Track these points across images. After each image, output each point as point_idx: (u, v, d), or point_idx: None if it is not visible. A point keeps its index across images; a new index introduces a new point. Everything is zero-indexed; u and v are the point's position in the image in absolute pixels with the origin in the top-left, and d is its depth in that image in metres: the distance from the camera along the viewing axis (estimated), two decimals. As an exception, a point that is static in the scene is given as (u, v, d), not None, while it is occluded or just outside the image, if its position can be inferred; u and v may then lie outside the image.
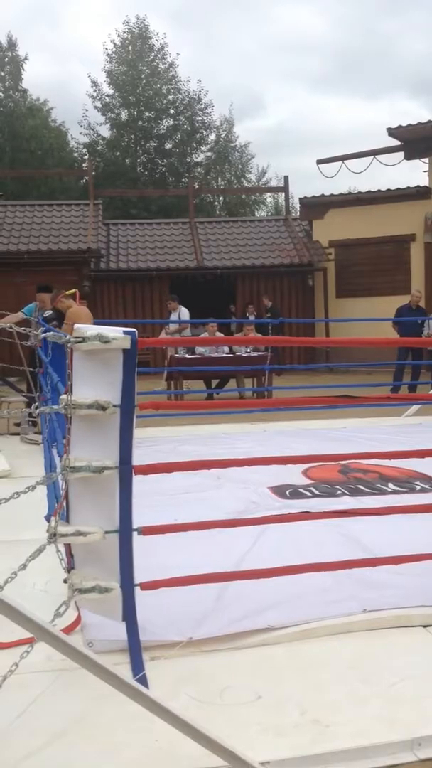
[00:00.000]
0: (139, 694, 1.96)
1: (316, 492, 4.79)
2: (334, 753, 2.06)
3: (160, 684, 2.32)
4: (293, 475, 5.07)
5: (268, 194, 33.82)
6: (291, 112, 51.24)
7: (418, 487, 4.88)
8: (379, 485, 4.95)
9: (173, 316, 11.97)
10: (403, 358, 10.92)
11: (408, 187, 16.78)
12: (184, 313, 12.09)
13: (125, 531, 2.42)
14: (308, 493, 4.75)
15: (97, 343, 2.33)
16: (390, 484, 4.96)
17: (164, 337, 11.60)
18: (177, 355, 11.30)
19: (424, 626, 2.82)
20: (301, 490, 4.84)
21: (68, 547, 2.57)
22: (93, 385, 2.37)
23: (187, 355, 11.30)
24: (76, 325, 2.40)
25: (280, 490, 4.78)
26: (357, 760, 2.06)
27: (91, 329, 2.36)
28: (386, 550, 3.11)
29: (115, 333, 2.36)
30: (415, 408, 8.37)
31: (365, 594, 2.98)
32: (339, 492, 4.77)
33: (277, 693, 2.36)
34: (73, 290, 7.77)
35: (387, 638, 2.75)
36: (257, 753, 2.00)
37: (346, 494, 4.71)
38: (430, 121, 15.01)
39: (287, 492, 4.77)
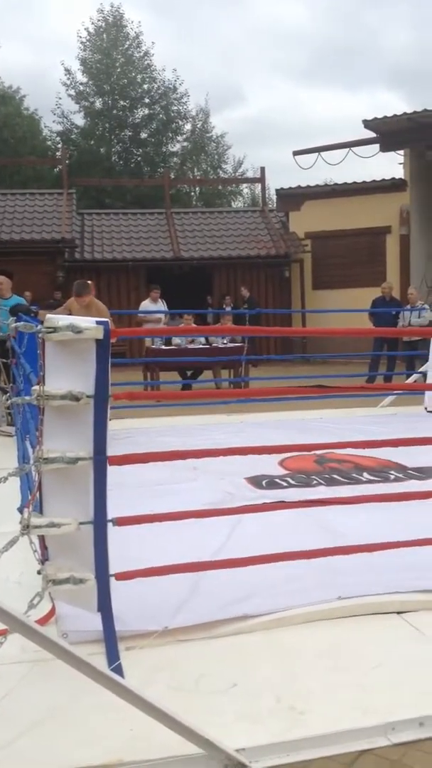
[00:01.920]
0: (114, 683, 1.96)
1: (292, 482, 4.81)
2: (308, 739, 2.08)
3: (136, 673, 2.32)
4: (269, 466, 5.09)
5: (245, 185, 33.78)
6: (270, 102, 51.16)
7: (392, 476, 4.93)
8: (355, 475, 4.99)
9: (154, 307, 11.92)
10: (379, 348, 11.00)
11: (384, 180, 16.86)
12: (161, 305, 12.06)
13: (100, 522, 2.42)
14: (284, 483, 4.78)
15: (70, 334, 2.31)
16: (365, 474, 5.00)
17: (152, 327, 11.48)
18: (153, 346, 11.26)
19: (398, 613, 2.85)
20: (277, 480, 4.86)
21: (42, 538, 2.55)
22: (66, 375, 2.36)
23: (163, 346, 11.27)
24: (48, 315, 2.38)
25: (256, 481, 4.80)
26: (331, 746, 2.07)
27: (63, 319, 2.34)
28: (361, 539, 3.13)
29: (88, 323, 2.34)
30: (390, 398, 8.44)
31: (340, 582, 3.00)
32: (315, 482, 4.80)
33: (252, 681, 2.37)
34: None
35: (361, 625, 2.78)
36: (233, 740, 2.01)
37: (321, 484, 4.74)
38: (405, 114, 15.07)
39: (263, 482, 4.78)
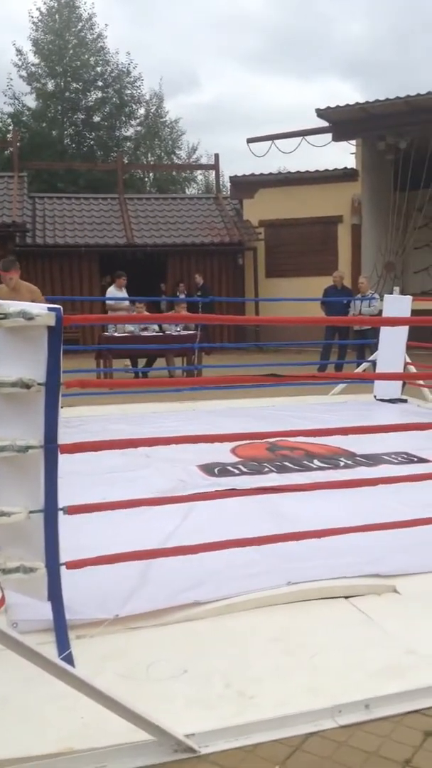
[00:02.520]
0: (64, 672, 1.96)
1: (244, 469, 4.85)
2: (257, 723, 2.12)
3: (86, 662, 2.32)
4: (222, 453, 5.12)
5: (199, 172, 33.64)
6: (225, 89, 50.99)
7: (342, 464, 5.01)
8: (305, 462, 5.06)
9: (121, 294, 11.85)
10: (330, 337, 11.12)
11: (336, 169, 16.98)
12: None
13: (50, 510, 2.40)
14: (236, 471, 4.81)
15: (21, 320, 2.28)
16: (315, 461, 5.08)
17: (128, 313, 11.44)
18: (106, 334, 11.18)
19: (346, 597, 2.92)
20: (230, 467, 4.90)
21: (-8, 527, 2.53)
22: (17, 363, 2.33)
23: (116, 334, 11.19)
24: (-1, 301, 2.34)
25: (208, 468, 4.82)
26: (279, 729, 2.12)
27: (13, 305, 2.30)
28: (311, 525, 3.19)
29: (39, 309, 2.31)
30: (341, 386, 8.56)
31: (289, 567, 3.05)
32: (266, 469, 4.85)
33: (202, 667, 2.40)
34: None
35: (310, 610, 2.83)
36: (183, 726, 2.03)
37: (273, 471, 4.79)
38: (357, 104, 15.19)
39: (215, 470, 4.81)
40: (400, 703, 2.24)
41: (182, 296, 14.54)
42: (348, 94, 51.49)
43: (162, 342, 11.22)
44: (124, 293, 11.90)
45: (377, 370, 7.98)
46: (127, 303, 11.68)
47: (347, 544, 3.17)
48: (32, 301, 5.03)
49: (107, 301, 11.91)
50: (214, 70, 50.55)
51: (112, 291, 12.00)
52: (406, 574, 3.09)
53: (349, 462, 5.05)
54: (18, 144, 20.22)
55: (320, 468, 4.90)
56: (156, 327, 11.70)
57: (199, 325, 10.88)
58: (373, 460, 5.07)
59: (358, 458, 5.14)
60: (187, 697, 2.23)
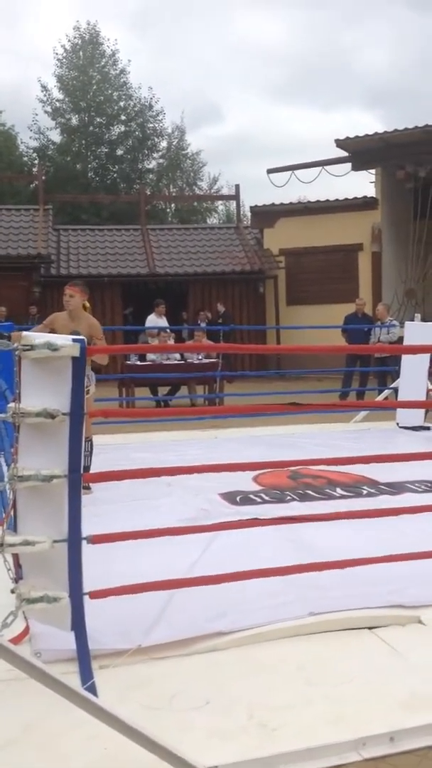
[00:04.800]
0: (87, 702, 1.97)
1: (266, 498, 4.84)
2: (280, 755, 2.10)
3: (109, 692, 2.32)
4: (244, 482, 5.12)
5: (220, 202, 34.00)
6: (246, 120, 51.53)
7: (364, 492, 4.99)
8: (328, 490, 5.04)
9: (161, 322, 12.01)
10: (352, 365, 11.11)
11: (356, 198, 17.10)
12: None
13: (74, 540, 2.42)
14: (258, 499, 4.80)
15: (46, 351, 2.33)
16: (338, 489, 5.05)
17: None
18: (129, 362, 11.26)
19: (369, 628, 2.89)
20: (252, 496, 4.89)
21: (16, 557, 2.55)
22: (41, 393, 2.37)
23: (138, 362, 11.27)
24: (24, 333, 2.39)
25: (230, 497, 4.82)
26: (303, 762, 2.10)
27: (39, 337, 2.36)
28: (333, 555, 3.17)
29: (64, 341, 2.36)
30: (363, 414, 8.53)
31: (312, 597, 3.03)
32: (288, 497, 4.84)
33: (225, 697, 2.39)
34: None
35: (333, 641, 2.81)
36: (205, 757, 2.02)
37: (295, 500, 4.78)
38: (376, 133, 15.33)
39: (237, 498, 4.81)
40: (426, 736, 2.21)
41: (203, 324, 14.64)
42: (370, 123, 51.98)
43: (184, 370, 11.28)
44: (164, 321, 12.03)
45: (399, 398, 7.94)
46: (166, 332, 11.83)
47: (371, 574, 3.15)
48: (89, 336, 4.84)
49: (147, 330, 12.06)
50: (236, 101, 51.27)
51: (152, 319, 12.14)
52: (430, 604, 3.05)
53: (373, 490, 5.02)
54: (43, 177, 20.65)
55: (343, 496, 4.87)
56: (178, 355, 11.78)
57: (220, 354, 10.93)
58: (396, 488, 5.03)
59: (381, 486, 5.10)
60: (210, 729, 2.22)
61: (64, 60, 30.20)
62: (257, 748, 2.12)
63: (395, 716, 2.27)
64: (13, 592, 2.46)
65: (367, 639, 2.82)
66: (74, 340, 2.38)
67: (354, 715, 2.29)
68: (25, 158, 31.75)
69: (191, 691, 2.42)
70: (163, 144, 32.53)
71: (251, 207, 19.09)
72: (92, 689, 2.29)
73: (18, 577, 2.52)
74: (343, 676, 2.52)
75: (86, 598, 2.51)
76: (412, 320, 8.34)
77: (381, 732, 2.19)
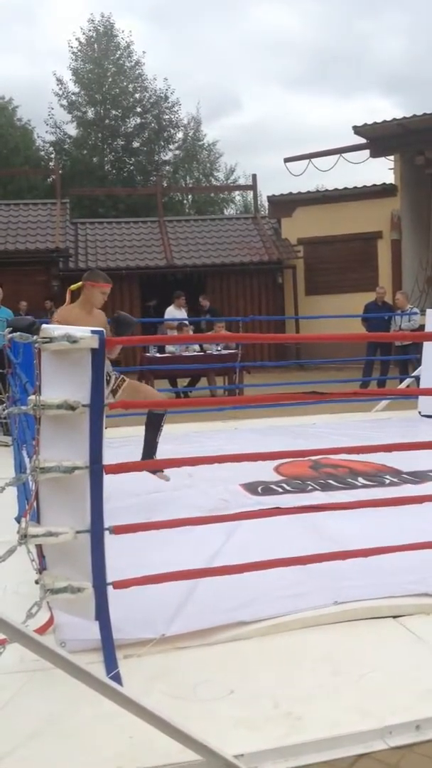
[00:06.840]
0: (112, 691, 1.98)
1: (288, 488, 4.83)
2: (306, 744, 2.09)
3: (134, 681, 2.33)
4: (265, 472, 5.11)
5: (237, 193, 33.87)
6: (263, 110, 51.24)
7: (387, 481, 4.95)
8: (350, 480, 5.01)
9: (179, 313, 12.00)
10: (372, 353, 11.03)
11: (374, 185, 16.94)
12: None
13: (97, 530, 2.43)
14: (280, 489, 4.79)
15: (65, 343, 2.34)
16: (360, 479, 5.03)
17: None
18: (148, 354, 11.28)
19: (394, 617, 2.87)
20: (273, 486, 4.88)
21: (39, 547, 2.57)
22: (62, 385, 2.38)
23: (157, 354, 11.28)
24: (44, 326, 2.40)
25: (251, 487, 4.82)
26: (329, 750, 2.09)
27: (58, 329, 2.36)
28: (356, 543, 3.15)
29: (83, 333, 2.36)
30: (384, 403, 8.47)
31: (336, 586, 3.02)
32: (310, 487, 4.82)
33: (249, 687, 2.38)
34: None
35: (357, 630, 2.79)
36: (231, 746, 2.02)
37: (317, 489, 4.76)
38: (394, 119, 15.16)
39: (259, 488, 4.80)
40: (452, 725, 2.19)
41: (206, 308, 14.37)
42: (389, 110, 51.29)
43: (203, 361, 11.27)
44: (183, 313, 12.03)
45: (421, 386, 7.87)
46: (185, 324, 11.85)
47: (394, 563, 3.13)
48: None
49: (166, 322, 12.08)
50: (252, 91, 50.97)
51: (171, 311, 12.16)
52: (455, 592, 3.03)
53: (395, 479, 4.98)
54: (60, 172, 20.71)
55: (365, 486, 4.85)
56: (197, 347, 11.77)
57: (240, 344, 10.91)
58: (419, 477, 5.00)
59: (403, 475, 5.07)
60: (235, 718, 2.22)
61: (79, 53, 30.21)
62: (283, 737, 2.12)
63: (421, 705, 2.26)
64: (37, 582, 2.48)
65: (392, 628, 2.80)
66: (93, 332, 2.38)
67: (379, 704, 2.28)
68: (42, 152, 31.85)
69: (215, 680, 2.42)
70: (179, 135, 32.46)
71: (268, 196, 18.98)
72: (117, 678, 2.30)
73: (42, 568, 2.54)
74: (368, 665, 2.51)
75: (110, 588, 2.52)
76: (433, 308, 8.25)
77: (407, 720, 2.18)
